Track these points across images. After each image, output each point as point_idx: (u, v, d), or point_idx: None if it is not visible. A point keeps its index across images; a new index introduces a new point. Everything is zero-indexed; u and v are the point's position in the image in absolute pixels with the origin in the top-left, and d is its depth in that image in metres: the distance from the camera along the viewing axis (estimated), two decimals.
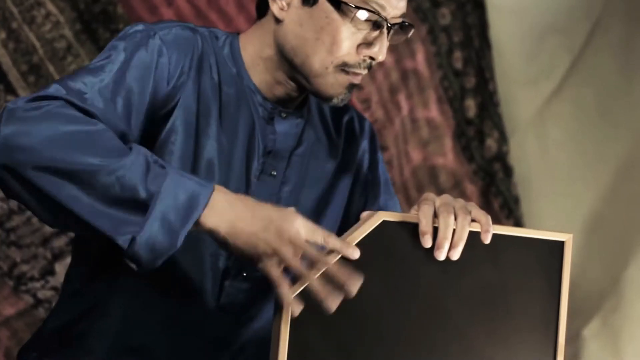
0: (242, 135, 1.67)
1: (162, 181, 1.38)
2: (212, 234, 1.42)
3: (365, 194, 1.85)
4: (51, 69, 2.65)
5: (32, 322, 2.52)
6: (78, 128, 1.40)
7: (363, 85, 3.01)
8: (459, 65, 3.23)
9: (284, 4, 1.63)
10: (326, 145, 1.80)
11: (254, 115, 1.68)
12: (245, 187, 1.66)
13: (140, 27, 1.63)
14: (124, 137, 1.48)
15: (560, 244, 1.57)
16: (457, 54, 3.22)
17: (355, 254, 1.41)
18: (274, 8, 1.64)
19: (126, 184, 1.37)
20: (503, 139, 3.24)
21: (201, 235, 1.45)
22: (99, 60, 1.57)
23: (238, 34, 1.74)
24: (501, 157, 3.25)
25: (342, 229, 1.80)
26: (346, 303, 1.42)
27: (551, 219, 3.26)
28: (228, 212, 1.41)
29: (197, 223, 1.40)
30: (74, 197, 1.37)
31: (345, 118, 1.85)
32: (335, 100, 1.66)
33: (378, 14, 1.59)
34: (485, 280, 1.52)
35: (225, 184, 1.56)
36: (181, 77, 1.62)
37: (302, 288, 1.39)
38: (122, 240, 1.37)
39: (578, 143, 3.26)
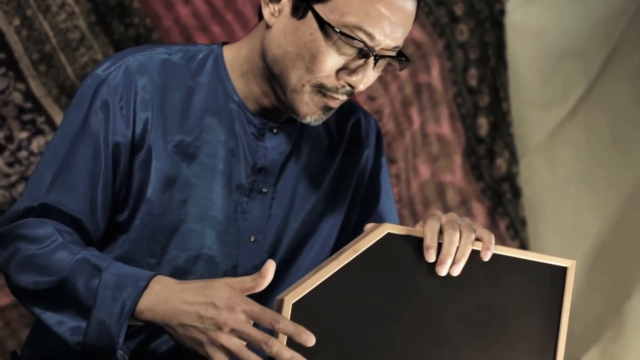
0: (223, 155, 1.64)
1: (96, 289, 1.47)
2: (153, 325, 1.47)
3: (366, 201, 1.83)
4: (63, 59, 2.64)
5: (27, 314, 2.50)
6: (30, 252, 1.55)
7: (376, 96, 3.00)
8: (473, 82, 3.22)
9: (276, 9, 1.58)
10: (324, 153, 1.76)
11: (239, 132, 1.65)
12: (233, 208, 1.65)
13: (87, 81, 1.64)
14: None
15: (563, 270, 1.57)
16: (473, 71, 3.21)
17: (310, 340, 1.38)
18: (265, 12, 1.59)
19: (70, 296, 1.50)
20: (513, 159, 3.23)
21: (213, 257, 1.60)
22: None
23: (223, 44, 1.70)
24: (510, 178, 3.24)
25: (339, 239, 1.79)
26: (344, 312, 1.42)
27: (556, 243, 3.25)
28: (161, 307, 1.45)
29: (135, 319, 1.46)
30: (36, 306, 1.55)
31: (351, 122, 1.80)
32: (308, 119, 1.61)
33: (365, 43, 1.53)
34: (485, 300, 1.52)
35: (210, 207, 1.62)
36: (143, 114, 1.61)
37: (302, 295, 1.38)
38: (74, 343, 1.50)
39: (588, 169, 3.24)
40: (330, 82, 1.56)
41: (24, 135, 2.58)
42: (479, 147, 3.24)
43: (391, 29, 1.53)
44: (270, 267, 1.41)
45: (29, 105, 2.59)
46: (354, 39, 1.52)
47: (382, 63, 1.57)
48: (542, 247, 3.23)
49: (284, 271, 1.71)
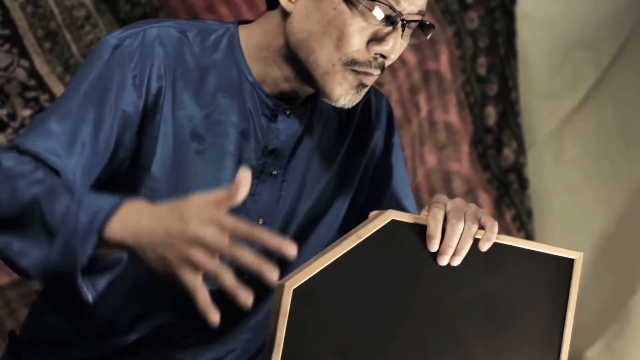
0: (234, 136, 1.61)
1: (66, 209, 1.34)
2: (124, 249, 1.34)
3: (377, 182, 1.80)
4: (68, 36, 2.63)
5: (26, 293, 2.50)
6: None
7: (383, 82, 2.99)
8: (482, 71, 3.21)
9: None
10: (335, 134, 1.74)
11: (252, 113, 1.62)
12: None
13: (103, 42, 1.58)
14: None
15: (570, 262, 1.56)
16: (482, 60, 3.20)
17: (292, 250, 1.26)
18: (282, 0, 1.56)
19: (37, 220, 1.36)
20: (521, 150, 3.22)
21: None
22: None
23: (239, 23, 1.67)
24: (517, 169, 3.23)
25: (345, 221, 1.77)
26: (346, 300, 1.41)
27: (562, 235, 3.25)
28: (132, 226, 1.31)
29: (103, 239, 1.32)
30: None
31: (361, 102, 1.75)
32: (342, 101, 1.57)
33: (392, 8, 1.50)
34: (490, 290, 1.51)
35: (218, 188, 1.51)
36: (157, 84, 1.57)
37: (303, 281, 1.37)
38: (23, 266, 1.36)
39: (595, 161, 3.24)
40: (362, 56, 1.53)
41: (27, 112, 2.57)
42: (486, 136, 3.23)
43: None
44: (245, 176, 1.27)
45: (32, 82, 2.58)
46: (380, 2, 1.49)
47: (409, 31, 1.55)
48: (548, 239, 3.22)
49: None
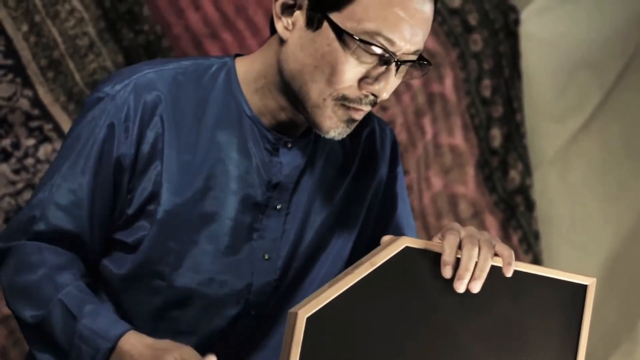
0: (236, 174, 1.62)
1: (71, 339, 1.51)
2: None
3: (383, 212, 1.80)
4: (71, 65, 2.64)
5: None
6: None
7: (388, 106, 2.99)
8: (487, 93, 3.21)
9: (289, 22, 1.53)
10: (339, 165, 1.73)
11: (253, 148, 1.62)
12: (247, 227, 1.63)
13: (94, 97, 1.62)
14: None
15: (583, 288, 1.55)
16: (486, 82, 3.20)
17: None
18: (279, 27, 1.54)
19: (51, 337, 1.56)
20: (527, 171, 3.22)
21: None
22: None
23: (235, 56, 1.67)
24: (524, 190, 3.23)
25: (354, 251, 1.76)
26: (360, 327, 1.41)
27: (569, 257, 3.26)
28: None
29: None
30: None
31: (365, 132, 1.76)
32: (332, 133, 1.55)
33: (385, 49, 1.48)
34: (503, 317, 1.50)
35: (223, 227, 1.61)
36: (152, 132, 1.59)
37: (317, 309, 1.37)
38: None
39: (602, 181, 3.25)
40: (353, 92, 1.51)
41: (30, 142, 2.58)
42: (492, 158, 3.23)
43: (411, 32, 1.49)
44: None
45: (36, 112, 2.58)
46: (374, 45, 1.48)
47: (403, 69, 1.54)
48: (556, 261, 3.22)
49: (297, 285, 1.69)
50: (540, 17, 3.22)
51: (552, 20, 3.22)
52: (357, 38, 1.47)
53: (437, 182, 3.14)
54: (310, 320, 1.36)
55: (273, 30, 1.61)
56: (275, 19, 1.55)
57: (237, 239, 1.62)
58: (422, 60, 1.55)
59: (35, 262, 1.57)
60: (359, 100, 1.52)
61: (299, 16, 1.53)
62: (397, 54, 1.49)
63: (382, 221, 1.79)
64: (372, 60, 1.49)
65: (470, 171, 3.20)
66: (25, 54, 2.57)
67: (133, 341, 1.47)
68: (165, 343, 1.45)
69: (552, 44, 3.23)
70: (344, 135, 1.57)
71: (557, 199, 3.29)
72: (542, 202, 3.27)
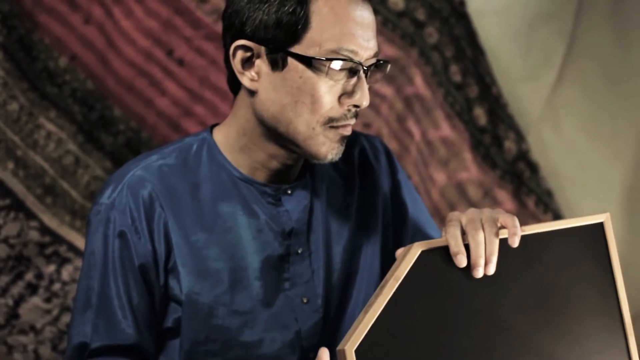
0: (250, 236, 1.64)
1: None
2: None
3: (397, 220, 1.82)
4: (65, 185, 2.65)
5: None
6: None
7: (370, 122, 3.00)
8: (458, 78, 3.22)
9: (254, 74, 1.57)
10: (342, 191, 1.76)
11: (256, 207, 1.65)
12: (277, 280, 1.66)
13: (95, 211, 1.64)
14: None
15: (600, 226, 1.56)
16: (454, 68, 3.21)
17: None
18: (245, 81, 1.58)
19: None
20: (520, 138, 3.22)
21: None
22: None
23: (212, 127, 1.70)
24: (523, 156, 3.22)
25: (384, 263, 1.78)
26: (406, 342, 1.41)
27: (588, 202, 3.23)
28: None
29: None
30: None
31: (356, 150, 1.80)
32: (330, 157, 1.59)
33: (351, 60, 1.54)
34: (537, 282, 1.51)
35: (255, 290, 1.63)
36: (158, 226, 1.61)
37: (361, 339, 1.38)
38: None
39: (593, 122, 3.23)
40: (337, 112, 1.56)
41: (51, 268, 2.59)
42: (483, 137, 3.23)
43: (366, 38, 1.55)
44: None
45: (47, 239, 2.60)
46: (343, 59, 1.53)
47: (371, 73, 1.59)
48: (575, 211, 3.21)
49: (342, 315, 1.72)
50: None
51: None
52: (325, 59, 1.52)
53: (440, 177, 3.15)
54: (358, 352, 1.37)
55: (235, 90, 1.64)
56: (239, 76, 1.58)
57: (271, 294, 1.65)
58: (382, 60, 1.61)
59: None
60: (344, 117, 1.57)
61: (261, 64, 1.57)
62: (362, 61, 1.55)
63: (401, 228, 1.82)
64: (343, 76, 1.55)
65: (468, 156, 3.19)
66: (19, 189, 2.58)
67: None
68: None
69: (503, 11, 3.20)
70: (340, 155, 1.61)
71: (558, 153, 3.25)
72: (544, 161, 3.24)
